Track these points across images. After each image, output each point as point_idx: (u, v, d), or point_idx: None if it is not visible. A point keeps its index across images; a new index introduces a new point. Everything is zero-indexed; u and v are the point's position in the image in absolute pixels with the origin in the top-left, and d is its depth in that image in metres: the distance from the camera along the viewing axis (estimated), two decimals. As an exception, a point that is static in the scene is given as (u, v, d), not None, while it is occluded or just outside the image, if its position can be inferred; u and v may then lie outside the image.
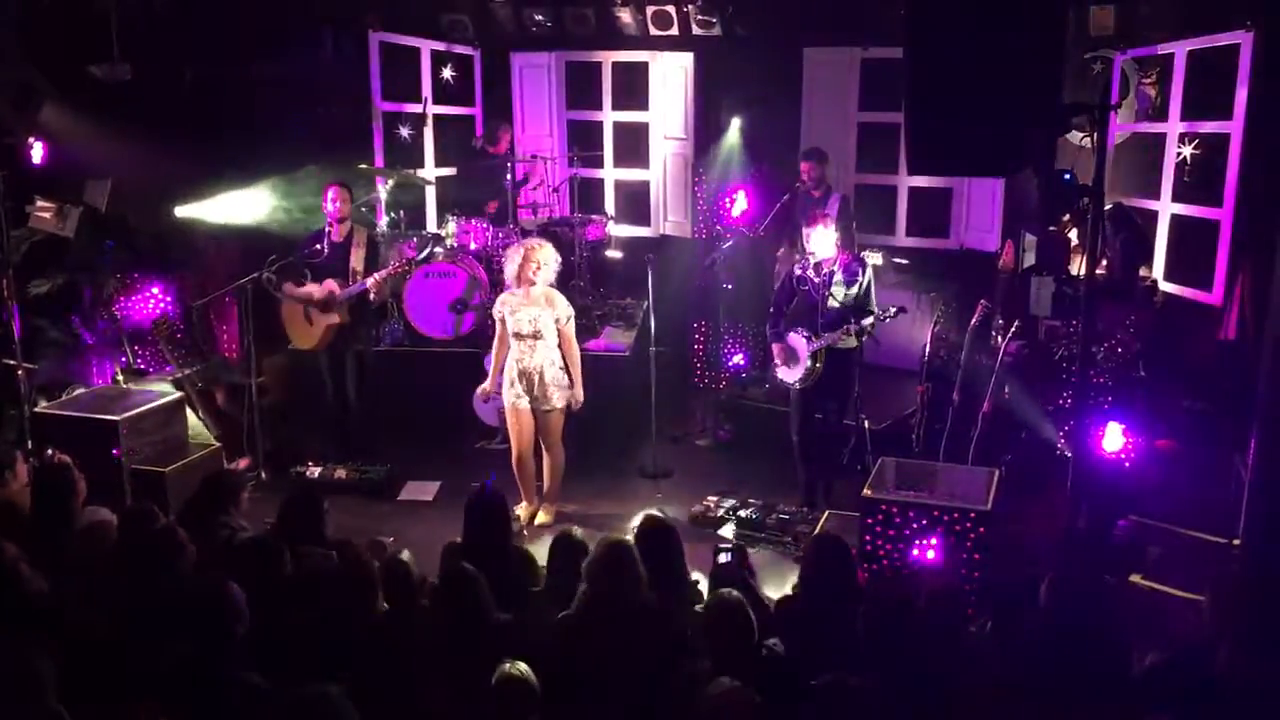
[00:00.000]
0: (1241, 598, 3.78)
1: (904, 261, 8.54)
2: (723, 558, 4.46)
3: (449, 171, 9.40)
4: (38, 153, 6.97)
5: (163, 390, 6.76)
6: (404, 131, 9.11)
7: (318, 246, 7.03)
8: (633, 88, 9.61)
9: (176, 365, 7.61)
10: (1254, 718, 3.42)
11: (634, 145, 9.76)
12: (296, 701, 2.89)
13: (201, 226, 7.86)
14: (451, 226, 8.18)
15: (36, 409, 6.32)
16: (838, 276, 6.24)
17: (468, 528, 4.64)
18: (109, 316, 7.49)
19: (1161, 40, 7.24)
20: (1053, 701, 3.42)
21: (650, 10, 8.89)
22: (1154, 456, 6.23)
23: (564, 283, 7.00)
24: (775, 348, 6.43)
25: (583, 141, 9.65)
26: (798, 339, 6.33)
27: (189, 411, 6.81)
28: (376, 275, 6.99)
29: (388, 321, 8.09)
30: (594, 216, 8.90)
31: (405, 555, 4.17)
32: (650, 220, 9.85)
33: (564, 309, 6.24)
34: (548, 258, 6.19)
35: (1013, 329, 6.45)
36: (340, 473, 7.02)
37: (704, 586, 4.45)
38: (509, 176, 8.64)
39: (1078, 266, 6.81)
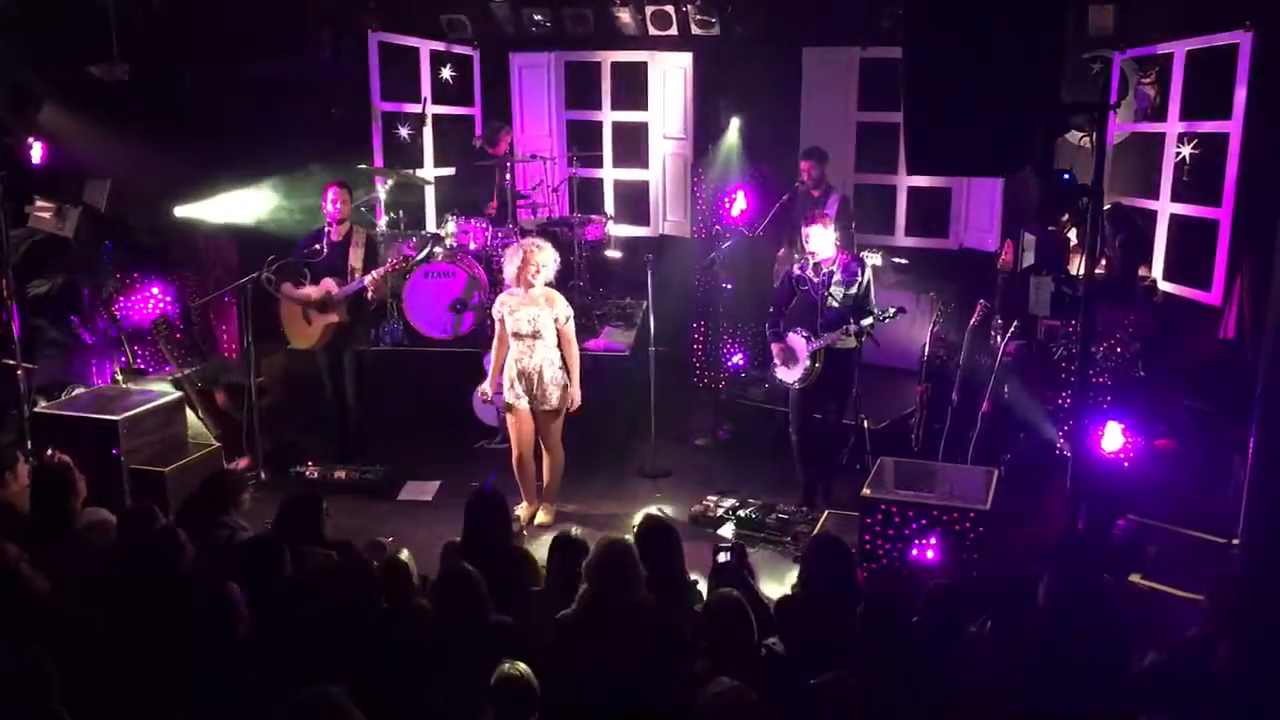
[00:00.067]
0: (1240, 597, 3.79)
1: (903, 261, 8.52)
2: (722, 557, 4.47)
3: (448, 171, 9.40)
4: (37, 153, 6.95)
5: (162, 390, 6.75)
6: (403, 131, 9.12)
7: (317, 246, 7.03)
8: (632, 88, 9.60)
9: (176, 365, 7.60)
10: (1253, 717, 3.42)
11: (633, 145, 9.76)
12: (297, 701, 2.89)
13: (201, 226, 7.85)
14: (451, 226, 8.19)
15: (36, 409, 6.31)
16: (837, 276, 6.25)
17: (468, 528, 4.65)
18: (108, 316, 7.48)
19: (1161, 40, 7.23)
20: (1052, 701, 3.42)
21: (649, 10, 8.89)
22: (1153, 456, 6.23)
23: (563, 283, 7.01)
24: (774, 348, 6.44)
25: (582, 141, 9.65)
26: (797, 339, 6.33)
27: (189, 411, 6.81)
28: (374, 273, 6.99)
29: (387, 321, 8.09)
30: (593, 216, 8.90)
31: (405, 555, 4.17)
32: (650, 220, 9.85)
33: (563, 309, 6.24)
34: (546, 260, 6.19)
35: (1012, 329, 6.46)
36: (340, 473, 7.02)
37: (704, 586, 4.46)
38: (508, 177, 8.64)
39: (1077, 266, 6.78)
